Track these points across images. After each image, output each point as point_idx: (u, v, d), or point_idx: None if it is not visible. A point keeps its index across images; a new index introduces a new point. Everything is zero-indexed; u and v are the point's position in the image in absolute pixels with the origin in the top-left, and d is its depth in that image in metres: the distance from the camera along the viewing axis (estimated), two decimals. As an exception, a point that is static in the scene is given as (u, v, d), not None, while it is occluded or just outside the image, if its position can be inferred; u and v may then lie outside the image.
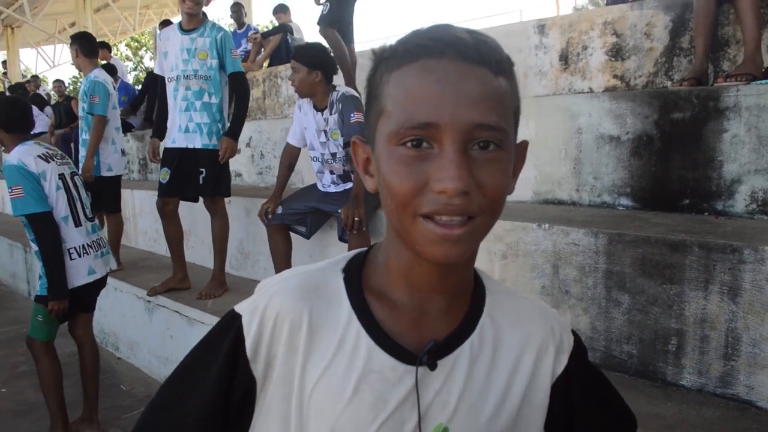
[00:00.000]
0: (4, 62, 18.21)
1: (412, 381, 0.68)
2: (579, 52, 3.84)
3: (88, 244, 2.98)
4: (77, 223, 2.95)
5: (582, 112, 2.98)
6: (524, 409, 0.73)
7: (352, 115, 3.08)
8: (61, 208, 2.87)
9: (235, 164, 4.13)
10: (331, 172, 3.31)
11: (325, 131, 3.23)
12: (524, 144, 0.70)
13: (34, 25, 14.34)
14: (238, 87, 3.58)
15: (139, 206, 5.53)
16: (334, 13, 4.62)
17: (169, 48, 3.56)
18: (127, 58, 29.57)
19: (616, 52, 3.66)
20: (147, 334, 4.04)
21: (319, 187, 3.40)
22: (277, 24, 8.41)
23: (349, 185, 3.25)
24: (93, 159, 4.28)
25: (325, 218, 3.42)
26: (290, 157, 3.51)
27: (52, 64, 20.89)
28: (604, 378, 0.83)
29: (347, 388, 0.67)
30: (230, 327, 0.71)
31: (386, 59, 0.65)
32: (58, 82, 10.39)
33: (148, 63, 28.64)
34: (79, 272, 2.92)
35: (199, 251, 4.57)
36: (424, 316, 0.70)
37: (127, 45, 29.10)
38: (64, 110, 8.68)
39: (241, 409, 0.72)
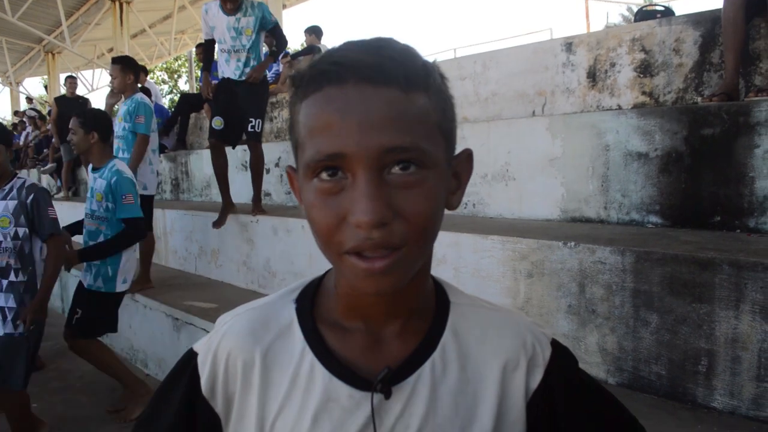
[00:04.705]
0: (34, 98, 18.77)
1: (369, 408, 0.66)
2: (607, 69, 3.81)
3: None
4: None
5: (609, 129, 2.94)
6: (499, 430, 0.68)
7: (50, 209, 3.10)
8: None
9: (265, 184, 4.25)
10: None
11: None
12: (465, 152, 0.67)
13: (74, 51, 14.73)
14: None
15: (170, 225, 5.61)
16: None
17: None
18: (163, 81, 30.27)
19: (645, 69, 3.62)
20: (175, 352, 4.06)
21: None
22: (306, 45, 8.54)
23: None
24: None
25: None
26: None
27: (90, 88, 21.43)
28: (601, 392, 0.76)
29: (306, 419, 0.67)
30: (187, 366, 0.73)
31: (297, 87, 0.61)
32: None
33: (183, 86, 29.27)
34: None
35: (227, 269, 4.61)
36: (378, 341, 0.68)
37: (162, 69, 29.78)
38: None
39: None
